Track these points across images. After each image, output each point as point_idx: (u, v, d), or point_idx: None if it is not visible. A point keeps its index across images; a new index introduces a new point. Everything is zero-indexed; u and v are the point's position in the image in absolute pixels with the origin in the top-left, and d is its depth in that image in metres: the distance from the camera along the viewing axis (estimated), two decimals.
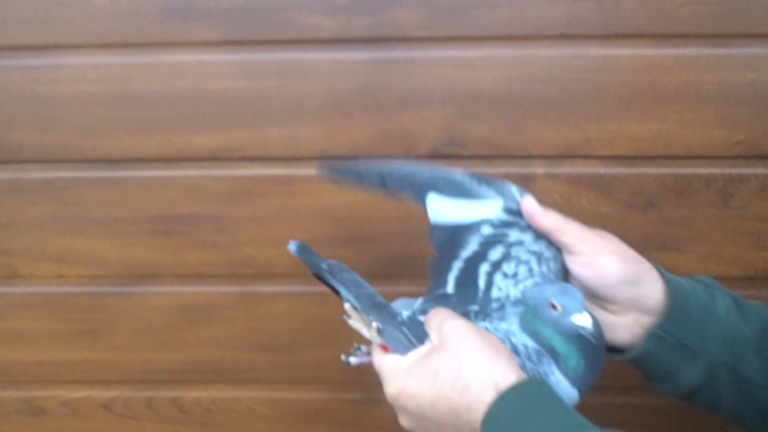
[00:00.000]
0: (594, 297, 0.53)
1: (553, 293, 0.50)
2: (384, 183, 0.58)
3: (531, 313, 0.51)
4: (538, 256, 0.54)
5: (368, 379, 0.78)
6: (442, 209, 0.57)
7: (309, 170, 0.72)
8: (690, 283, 0.54)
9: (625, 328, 0.53)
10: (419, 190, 0.57)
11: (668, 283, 0.53)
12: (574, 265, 0.53)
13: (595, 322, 0.49)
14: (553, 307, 0.49)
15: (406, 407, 0.49)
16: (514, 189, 0.56)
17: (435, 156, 0.71)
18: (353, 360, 0.57)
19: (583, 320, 0.48)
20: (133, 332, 0.78)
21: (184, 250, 0.75)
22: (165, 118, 0.71)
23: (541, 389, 0.45)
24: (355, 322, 0.54)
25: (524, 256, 0.55)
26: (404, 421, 0.50)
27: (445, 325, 0.49)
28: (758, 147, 0.69)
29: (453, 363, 0.47)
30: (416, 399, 0.48)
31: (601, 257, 0.52)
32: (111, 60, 0.70)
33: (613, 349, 0.54)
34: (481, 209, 0.56)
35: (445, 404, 0.46)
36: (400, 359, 0.50)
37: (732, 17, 0.66)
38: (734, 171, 0.70)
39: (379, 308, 0.53)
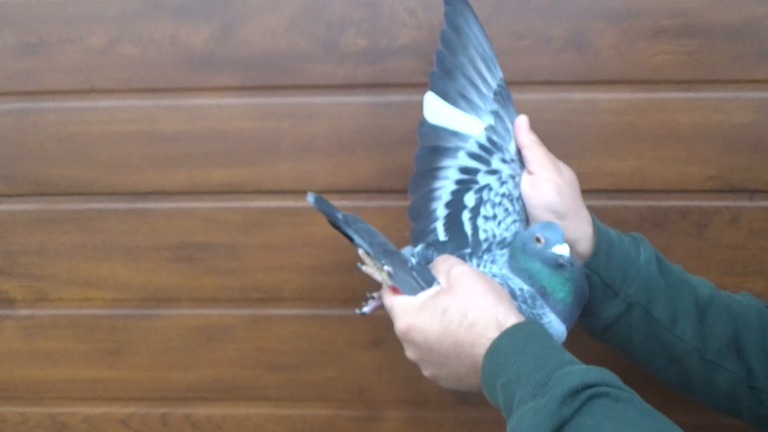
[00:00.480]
0: (530, 219, 0.61)
1: (538, 228, 0.56)
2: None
3: (520, 250, 0.57)
4: (510, 197, 0.61)
5: (371, 396, 0.82)
6: (435, 108, 0.62)
7: None
8: (618, 234, 0.61)
9: None
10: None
11: (598, 231, 0.60)
12: (523, 183, 0.61)
13: (571, 257, 0.55)
14: (538, 240, 0.55)
15: (415, 341, 0.53)
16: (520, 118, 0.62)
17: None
18: (366, 309, 0.62)
19: (560, 249, 0.54)
20: (152, 352, 0.82)
21: (201, 275, 0.79)
22: (187, 154, 0.76)
23: (538, 329, 0.50)
24: (368, 268, 0.58)
25: (496, 199, 0.61)
26: (410, 354, 0.55)
27: (453, 269, 0.54)
28: (729, 181, 0.74)
29: (460, 303, 0.52)
30: (425, 333, 0.52)
31: (543, 183, 0.60)
32: (139, 103, 0.75)
33: None
34: (468, 124, 0.62)
35: (451, 339, 0.51)
36: (410, 299, 0.55)
37: (701, 65, 0.71)
38: (707, 203, 0.74)
39: (390, 254, 0.57)
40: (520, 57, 0.71)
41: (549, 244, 0.55)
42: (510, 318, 0.51)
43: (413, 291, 0.56)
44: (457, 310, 0.51)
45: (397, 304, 0.55)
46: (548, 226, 0.56)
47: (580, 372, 0.45)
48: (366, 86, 0.73)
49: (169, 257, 0.79)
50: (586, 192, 0.74)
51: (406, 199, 0.75)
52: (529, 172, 0.61)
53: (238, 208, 0.77)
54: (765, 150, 0.72)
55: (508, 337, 0.49)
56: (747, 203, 0.74)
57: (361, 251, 0.58)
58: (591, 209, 0.63)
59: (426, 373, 0.56)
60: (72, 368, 0.83)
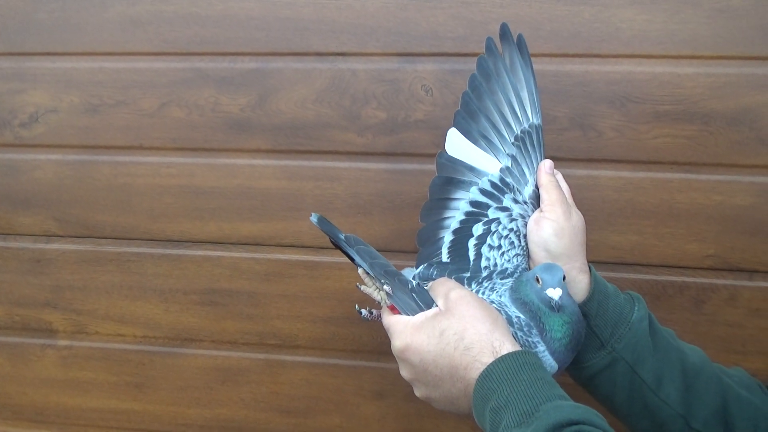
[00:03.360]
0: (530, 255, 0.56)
1: (539, 269, 0.52)
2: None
3: (524, 285, 0.53)
4: (517, 233, 0.57)
5: None
6: (456, 143, 0.60)
7: (333, 258, 0.74)
8: (615, 289, 0.56)
9: None
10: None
11: (595, 281, 0.55)
12: (530, 218, 0.56)
13: (571, 303, 0.51)
14: (537, 280, 0.51)
15: (410, 360, 0.49)
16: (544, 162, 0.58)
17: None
18: (364, 312, 0.58)
19: (552, 293, 0.50)
20: (174, 388, 0.79)
21: (224, 319, 0.77)
22: (218, 208, 0.75)
23: (533, 360, 0.46)
24: (367, 288, 0.55)
25: (504, 232, 0.57)
26: (405, 374, 0.51)
27: (451, 293, 0.50)
28: (727, 260, 0.68)
29: (458, 326, 0.48)
30: (421, 354, 0.48)
31: (545, 221, 0.55)
32: (180, 160, 0.75)
33: None
34: (485, 162, 0.59)
35: (447, 361, 0.47)
36: (409, 318, 0.51)
37: (701, 149, 0.67)
38: (705, 281, 0.69)
39: (390, 275, 0.53)
40: None
41: (545, 285, 0.51)
42: (505, 345, 0.47)
43: (412, 311, 0.52)
44: (454, 332, 0.48)
45: (395, 323, 0.52)
46: (549, 267, 0.52)
47: (568, 408, 0.42)
48: (383, 154, 0.72)
49: (195, 300, 0.77)
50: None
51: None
52: (540, 210, 0.57)
53: (261, 259, 0.76)
54: (764, 232, 0.67)
55: (502, 363, 0.45)
56: (746, 282, 0.68)
57: (360, 271, 0.55)
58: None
59: (418, 393, 0.51)
60: (101, 398, 0.81)
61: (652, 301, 0.70)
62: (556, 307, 0.50)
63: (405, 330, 0.50)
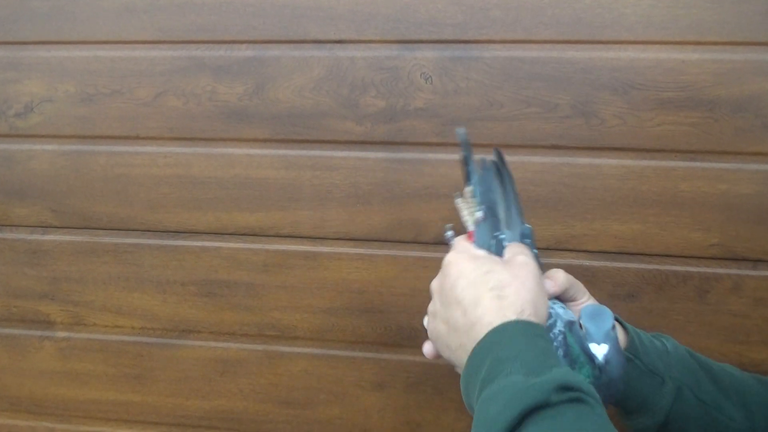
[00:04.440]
0: None
1: (586, 315, 0.47)
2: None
3: (570, 335, 0.47)
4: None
5: None
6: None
7: (332, 248, 0.73)
8: (635, 328, 0.54)
9: None
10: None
11: (623, 324, 0.53)
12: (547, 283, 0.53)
13: (614, 358, 0.45)
14: (580, 326, 0.47)
15: (447, 273, 0.48)
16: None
17: (440, 242, 0.71)
18: (450, 234, 0.55)
19: (596, 349, 0.45)
20: (172, 380, 0.78)
21: (222, 310, 0.76)
22: (216, 198, 0.74)
23: (547, 337, 0.44)
24: (463, 203, 0.54)
25: None
26: (434, 284, 0.51)
27: (520, 256, 0.49)
28: (731, 250, 0.67)
29: (505, 277, 0.46)
30: (460, 272, 0.47)
31: (554, 272, 0.53)
32: (178, 150, 0.73)
33: None
34: None
35: (474, 293, 0.46)
36: (474, 247, 0.51)
37: (705, 136, 0.65)
38: (709, 270, 0.67)
39: (490, 211, 0.52)
40: (527, 123, 0.67)
41: (589, 337, 0.46)
42: (535, 317, 0.45)
43: (483, 248, 0.51)
44: (498, 279, 0.46)
45: (462, 242, 0.52)
46: (596, 314, 0.47)
47: (577, 378, 0.40)
48: (382, 143, 0.70)
49: (193, 292, 0.76)
50: (590, 253, 0.69)
51: (416, 249, 0.72)
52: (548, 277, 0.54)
53: (259, 250, 0.74)
54: None
55: (521, 324, 0.43)
56: (750, 272, 0.67)
57: (468, 188, 0.54)
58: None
59: (430, 326, 0.51)
60: (100, 390, 0.80)
61: (655, 291, 0.68)
62: (599, 368, 0.45)
63: (464, 251, 0.50)
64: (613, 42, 0.65)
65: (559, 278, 0.52)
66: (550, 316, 0.48)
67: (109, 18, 0.71)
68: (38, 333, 0.80)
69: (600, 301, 0.69)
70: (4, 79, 0.74)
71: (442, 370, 0.73)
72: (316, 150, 0.71)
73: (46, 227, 0.77)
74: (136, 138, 0.74)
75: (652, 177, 0.67)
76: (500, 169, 0.52)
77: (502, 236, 0.51)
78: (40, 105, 0.74)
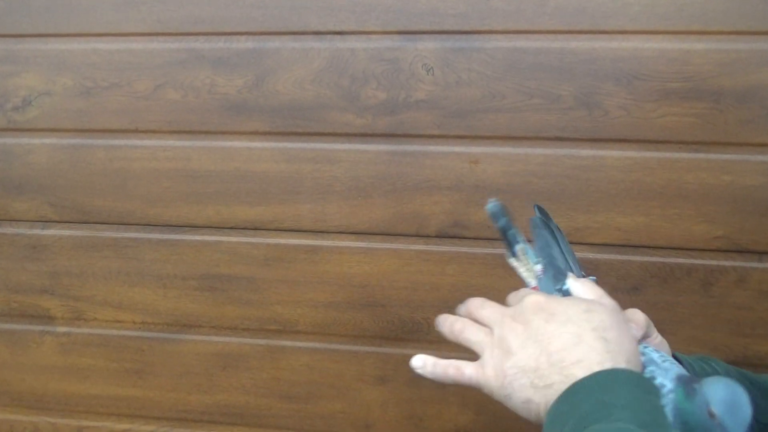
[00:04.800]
0: None
1: (718, 400, 0.37)
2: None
3: (693, 406, 0.38)
4: None
5: (376, 431, 0.75)
6: None
7: (333, 242, 0.72)
8: (688, 356, 0.50)
9: None
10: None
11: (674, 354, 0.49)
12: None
13: None
14: (711, 414, 0.37)
15: (538, 309, 0.41)
16: None
17: (441, 236, 0.70)
18: (514, 262, 0.51)
19: None
20: (173, 375, 0.78)
21: (223, 305, 0.75)
22: (216, 192, 0.73)
23: (660, 397, 0.37)
24: (517, 261, 0.50)
25: None
26: (508, 316, 0.43)
27: (606, 299, 0.44)
28: (736, 242, 0.66)
29: (606, 318, 0.40)
30: (552, 315, 0.41)
31: (636, 313, 0.47)
32: (177, 143, 0.73)
33: None
34: None
35: (573, 332, 0.39)
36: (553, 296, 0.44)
37: (710, 127, 0.64)
38: (713, 262, 0.67)
39: (552, 265, 0.47)
40: (530, 114, 0.67)
41: (724, 427, 0.36)
42: (637, 369, 0.39)
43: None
44: (601, 320, 0.40)
45: (535, 294, 0.44)
46: (734, 402, 0.37)
47: None
48: (383, 136, 0.69)
49: (194, 286, 0.75)
50: (593, 245, 0.68)
51: (418, 243, 0.71)
52: None
53: (260, 244, 0.73)
54: None
55: (634, 376, 0.37)
56: (755, 264, 0.66)
57: (519, 247, 0.50)
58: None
59: (500, 368, 0.41)
60: (101, 385, 0.79)
61: (659, 284, 0.67)
62: None
63: (549, 297, 0.43)
64: (616, 32, 0.64)
65: (640, 320, 0.45)
66: (643, 365, 0.42)
67: (107, 10, 0.70)
68: (39, 328, 0.79)
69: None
70: (2, 73, 0.73)
71: None
72: (317, 143, 0.70)
73: (46, 222, 0.76)
74: (135, 131, 0.73)
75: (657, 169, 0.66)
76: (548, 223, 0.50)
77: (566, 287, 0.47)
78: (39, 98, 0.73)
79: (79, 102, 0.73)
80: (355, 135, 0.69)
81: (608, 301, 0.44)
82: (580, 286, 0.46)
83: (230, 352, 0.76)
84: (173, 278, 0.76)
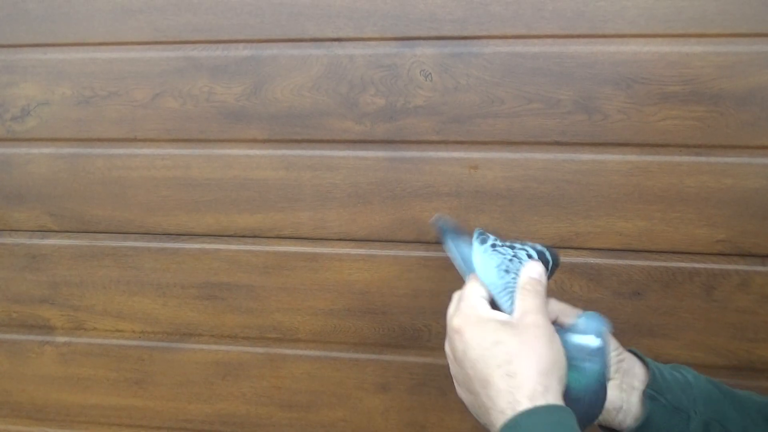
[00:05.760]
0: None
1: (582, 318, 0.48)
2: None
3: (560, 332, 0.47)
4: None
5: None
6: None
7: (333, 249, 0.72)
8: (654, 362, 0.52)
9: (611, 389, 0.50)
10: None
11: (641, 356, 0.51)
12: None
13: (601, 357, 0.45)
14: (575, 324, 0.47)
15: (455, 344, 0.47)
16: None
17: (441, 242, 0.70)
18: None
19: (591, 340, 0.45)
20: (174, 384, 0.77)
21: (223, 313, 0.75)
22: (215, 200, 0.72)
23: (567, 420, 0.41)
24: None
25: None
26: (447, 348, 0.49)
27: (530, 315, 0.46)
28: (738, 245, 0.65)
29: (514, 349, 0.43)
30: (467, 346, 0.45)
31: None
32: (176, 151, 0.72)
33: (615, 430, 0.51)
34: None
35: (484, 372, 0.44)
36: (481, 307, 0.47)
37: (711, 130, 0.63)
38: (716, 266, 0.66)
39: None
40: (529, 119, 0.66)
41: (582, 329, 0.47)
42: (547, 395, 0.42)
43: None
44: (506, 352, 0.43)
45: (467, 298, 0.48)
46: (590, 315, 0.48)
47: None
48: (382, 142, 0.69)
49: (194, 294, 0.75)
50: (594, 250, 0.68)
51: (418, 249, 0.70)
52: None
53: (259, 252, 0.73)
54: None
55: (537, 415, 0.41)
56: (758, 268, 0.65)
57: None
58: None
59: (452, 371, 0.49)
60: (101, 394, 0.79)
61: (661, 289, 0.67)
62: (595, 353, 0.45)
63: (470, 314, 0.47)
64: (615, 36, 0.63)
65: (552, 309, 0.51)
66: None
67: (104, 19, 0.70)
68: (39, 338, 0.79)
69: (605, 299, 0.68)
70: (1, 83, 0.73)
71: (445, 371, 0.71)
72: (316, 150, 0.70)
73: (45, 231, 0.76)
74: (134, 140, 0.72)
75: (657, 172, 0.65)
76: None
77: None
78: (37, 108, 0.73)
79: (78, 111, 0.72)
80: (353, 142, 0.69)
81: (530, 319, 0.46)
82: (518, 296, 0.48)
83: (230, 361, 0.75)
84: (173, 287, 0.75)
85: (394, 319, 0.72)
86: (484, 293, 0.49)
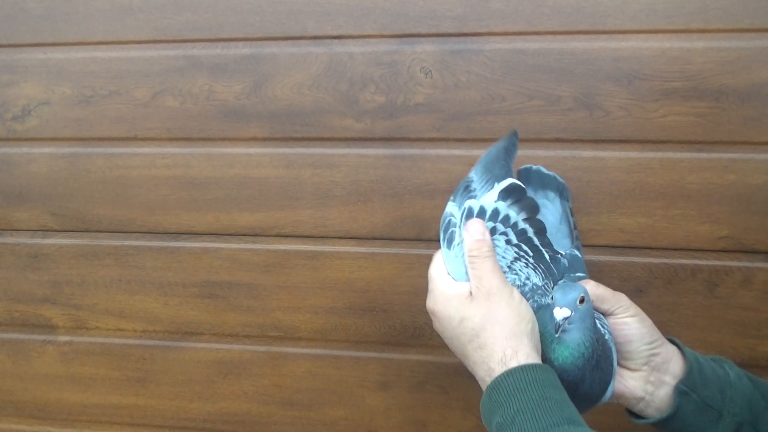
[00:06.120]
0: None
1: (557, 287, 0.47)
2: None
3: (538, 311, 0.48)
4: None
5: None
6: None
7: (334, 247, 0.71)
8: (701, 355, 0.51)
9: (636, 380, 0.50)
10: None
11: (683, 350, 0.50)
12: (607, 329, 0.51)
13: (582, 332, 0.45)
14: (552, 298, 0.47)
15: (435, 326, 0.50)
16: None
17: None
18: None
19: (557, 312, 0.45)
20: (175, 382, 0.77)
21: (224, 312, 0.74)
22: (216, 199, 0.72)
23: (545, 377, 0.43)
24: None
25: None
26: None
27: (485, 281, 0.47)
28: (741, 242, 0.65)
29: (477, 321, 0.46)
30: (442, 326, 0.49)
31: (627, 319, 0.51)
32: (176, 150, 0.72)
33: (642, 417, 0.51)
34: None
35: (461, 348, 0.47)
36: (447, 285, 0.49)
37: (713, 127, 0.63)
38: (718, 263, 0.65)
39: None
40: (529, 116, 0.65)
41: (555, 303, 0.46)
42: (518, 355, 0.44)
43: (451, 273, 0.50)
44: (471, 327, 0.46)
45: (432, 278, 0.51)
46: (565, 285, 0.47)
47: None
48: (383, 140, 0.68)
49: (195, 293, 0.74)
50: (596, 247, 0.67)
51: (419, 247, 0.70)
52: (609, 314, 0.52)
53: (260, 250, 0.72)
54: None
55: (511, 377, 0.43)
56: (761, 264, 0.65)
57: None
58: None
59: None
60: (103, 393, 0.79)
61: (664, 286, 0.66)
62: (557, 328, 0.45)
63: (438, 294, 0.49)
64: (616, 32, 0.63)
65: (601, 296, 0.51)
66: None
67: (104, 18, 0.70)
68: (41, 337, 0.78)
69: None
70: (1, 83, 0.73)
71: (447, 369, 0.71)
72: (316, 148, 0.69)
73: (47, 231, 0.76)
74: (134, 139, 0.72)
75: (659, 169, 0.65)
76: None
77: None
78: (38, 108, 0.73)
79: (78, 111, 0.72)
80: (354, 139, 0.68)
81: (487, 285, 0.47)
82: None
83: (231, 360, 0.75)
84: (174, 286, 0.75)
85: (396, 317, 0.71)
86: (446, 268, 0.51)
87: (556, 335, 0.45)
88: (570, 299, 0.45)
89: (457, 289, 0.48)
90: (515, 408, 0.41)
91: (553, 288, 0.50)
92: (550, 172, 0.60)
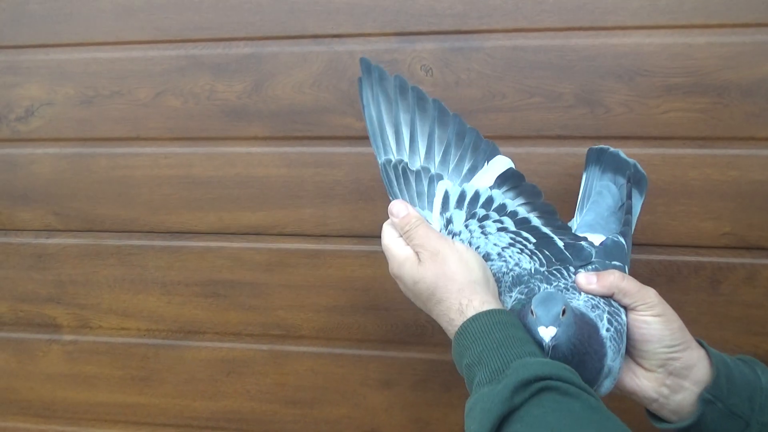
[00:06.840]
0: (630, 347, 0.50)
1: (537, 300, 0.45)
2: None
3: (520, 310, 0.48)
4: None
5: None
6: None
7: (335, 246, 0.71)
8: (731, 358, 0.49)
9: (649, 380, 0.49)
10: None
11: (711, 355, 0.48)
12: (625, 326, 0.49)
13: (563, 341, 0.44)
14: (532, 312, 0.45)
15: (400, 286, 0.53)
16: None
17: None
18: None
19: (543, 333, 0.44)
20: (179, 381, 0.77)
21: (226, 311, 0.74)
22: (218, 198, 0.72)
23: (506, 319, 0.45)
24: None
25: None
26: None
27: (426, 249, 0.50)
28: (744, 238, 0.64)
29: (429, 281, 0.49)
30: (405, 289, 0.52)
31: (649, 318, 0.49)
32: (178, 150, 0.72)
33: (665, 420, 0.49)
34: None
35: (425, 306, 0.50)
36: (399, 250, 0.52)
37: (715, 122, 0.62)
38: (721, 260, 0.65)
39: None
40: (531, 113, 0.65)
41: (538, 321, 0.44)
42: (473, 303, 0.47)
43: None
44: (426, 287, 0.49)
45: (389, 248, 0.53)
46: (547, 299, 0.45)
47: (537, 364, 0.41)
48: None
49: (198, 292, 0.74)
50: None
51: None
52: (630, 310, 0.50)
53: (262, 249, 0.72)
54: None
55: (475, 322, 0.45)
56: (764, 261, 0.64)
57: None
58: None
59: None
60: (107, 392, 0.79)
61: (666, 283, 0.65)
62: (547, 350, 0.44)
63: (393, 260, 0.52)
64: (617, 28, 0.62)
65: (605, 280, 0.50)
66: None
67: (106, 19, 0.70)
68: (45, 337, 0.79)
69: None
70: (5, 84, 0.73)
71: (449, 367, 0.71)
72: (318, 147, 0.69)
73: (51, 231, 0.76)
74: (137, 139, 0.72)
75: (661, 165, 0.64)
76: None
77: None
78: (41, 108, 0.73)
79: (81, 111, 0.72)
80: (355, 138, 0.68)
81: (433, 246, 0.50)
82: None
83: (234, 358, 0.75)
84: (177, 285, 0.75)
85: (397, 316, 0.71)
86: (392, 243, 0.53)
87: (548, 355, 0.44)
88: (553, 315, 0.44)
89: (407, 252, 0.51)
90: (480, 348, 0.44)
91: (569, 273, 0.51)
92: (630, 159, 0.59)
